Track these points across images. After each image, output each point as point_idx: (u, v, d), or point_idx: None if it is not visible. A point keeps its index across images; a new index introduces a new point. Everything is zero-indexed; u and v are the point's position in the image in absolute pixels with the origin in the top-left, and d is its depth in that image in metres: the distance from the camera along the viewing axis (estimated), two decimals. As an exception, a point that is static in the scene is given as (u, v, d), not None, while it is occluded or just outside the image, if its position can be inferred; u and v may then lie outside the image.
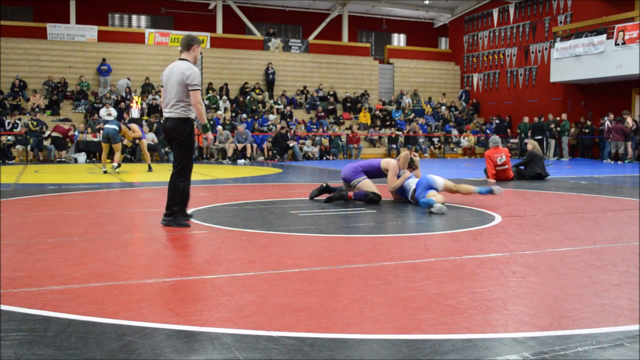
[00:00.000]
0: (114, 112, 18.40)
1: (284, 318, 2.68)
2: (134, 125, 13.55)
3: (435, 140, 23.10)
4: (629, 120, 18.39)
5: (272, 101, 23.82)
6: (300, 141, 20.37)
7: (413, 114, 24.34)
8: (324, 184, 7.55)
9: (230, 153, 18.56)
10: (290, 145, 19.52)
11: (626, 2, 20.38)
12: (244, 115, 21.37)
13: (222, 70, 24.25)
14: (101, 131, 14.53)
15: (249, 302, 2.93)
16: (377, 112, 24.40)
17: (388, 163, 7.36)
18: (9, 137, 18.04)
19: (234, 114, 21.96)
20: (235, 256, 4.11)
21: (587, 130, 20.97)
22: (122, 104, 20.85)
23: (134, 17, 26.15)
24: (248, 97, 23.29)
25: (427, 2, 26.64)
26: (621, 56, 18.75)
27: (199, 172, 12.64)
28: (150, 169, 13.19)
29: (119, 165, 12.58)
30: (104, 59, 22.49)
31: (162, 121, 6.32)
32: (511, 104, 24.98)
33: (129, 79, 22.51)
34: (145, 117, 20.27)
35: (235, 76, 24.30)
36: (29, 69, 21.85)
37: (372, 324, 2.61)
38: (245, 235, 4.92)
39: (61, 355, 2.23)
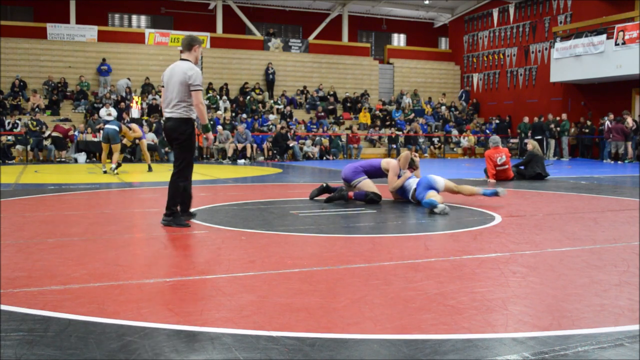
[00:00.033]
0: (114, 112, 18.40)
1: (284, 318, 2.68)
2: (134, 125, 13.54)
3: (435, 140, 23.09)
4: (629, 120, 18.39)
5: (272, 101, 23.82)
6: (300, 141, 20.37)
7: (413, 114, 24.34)
8: (324, 184, 7.54)
9: (230, 153, 18.56)
10: (290, 145, 19.52)
11: (626, 2, 20.37)
12: (244, 115, 21.37)
13: (222, 70, 24.25)
14: (101, 131, 14.53)
15: (249, 302, 2.93)
16: (377, 112, 24.39)
17: (388, 163, 7.35)
18: (9, 137, 18.04)
19: (234, 114, 21.96)
20: (235, 256, 4.10)
21: (587, 130, 20.96)
22: (122, 104, 20.85)
23: (134, 17, 26.15)
24: (248, 97, 23.29)
25: (427, 2, 26.63)
26: (621, 56, 18.74)
27: (199, 172, 12.64)
28: (150, 169, 13.20)
29: (118, 165, 12.56)
30: (104, 59, 22.49)
31: (162, 121, 6.31)
32: (511, 104, 24.97)
33: (129, 79, 22.51)
34: (145, 117, 20.27)
35: (235, 76, 24.30)
36: (29, 69, 21.84)
37: (372, 324, 2.61)
38: (245, 235, 4.91)
39: (61, 355, 2.23)
